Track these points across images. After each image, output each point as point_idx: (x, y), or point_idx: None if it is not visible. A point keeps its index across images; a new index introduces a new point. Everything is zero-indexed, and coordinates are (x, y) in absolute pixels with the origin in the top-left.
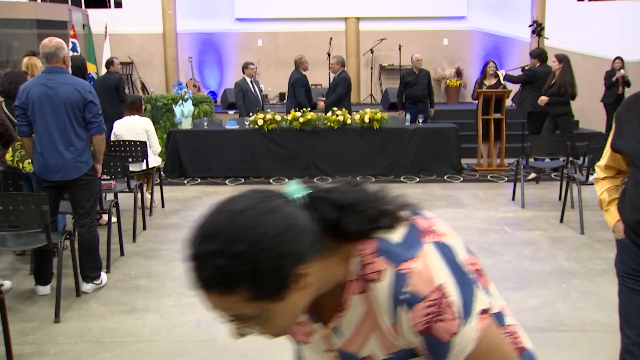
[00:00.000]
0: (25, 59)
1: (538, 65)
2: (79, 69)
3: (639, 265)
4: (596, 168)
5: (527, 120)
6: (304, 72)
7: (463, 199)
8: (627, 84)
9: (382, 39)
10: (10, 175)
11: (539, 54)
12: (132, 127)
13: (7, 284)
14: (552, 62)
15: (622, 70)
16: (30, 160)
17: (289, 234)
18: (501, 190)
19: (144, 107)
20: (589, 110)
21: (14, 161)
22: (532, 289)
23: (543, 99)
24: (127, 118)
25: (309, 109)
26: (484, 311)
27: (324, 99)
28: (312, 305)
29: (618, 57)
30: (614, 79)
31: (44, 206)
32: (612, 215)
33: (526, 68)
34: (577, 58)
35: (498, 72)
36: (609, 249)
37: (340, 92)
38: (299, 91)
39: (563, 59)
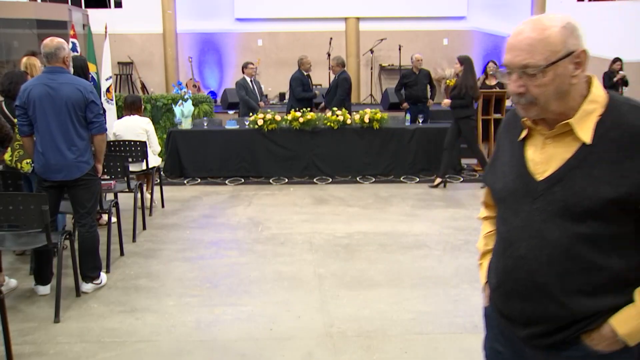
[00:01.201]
0: (25, 59)
1: None
2: (81, 69)
3: (501, 345)
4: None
5: None
6: (305, 73)
7: (463, 199)
8: (625, 83)
9: (382, 39)
10: (10, 175)
11: None
12: (131, 127)
13: (12, 282)
14: (454, 65)
15: (621, 72)
16: (28, 160)
17: None
18: None
19: (143, 107)
20: None
21: (12, 161)
22: None
23: (446, 102)
24: (126, 118)
25: (308, 109)
26: None
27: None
28: None
29: (617, 59)
30: (614, 80)
31: (44, 206)
32: (483, 273)
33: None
34: None
35: None
36: None
37: (342, 93)
38: (297, 90)
39: (464, 61)
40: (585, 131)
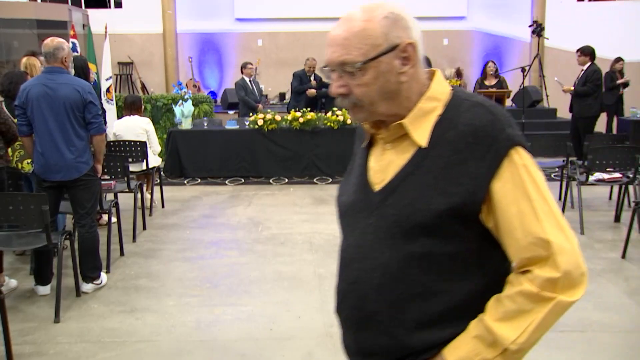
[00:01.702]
0: (24, 59)
1: (590, 64)
2: (81, 69)
3: None
4: None
5: (585, 123)
6: (307, 73)
7: None
8: (625, 85)
9: None
10: (10, 175)
11: (591, 52)
12: (132, 127)
13: (12, 282)
14: None
15: (626, 77)
16: (29, 161)
17: None
18: None
19: (143, 107)
20: None
21: (13, 161)
22: None
23: None
24: (126, 118)
25: (308, 109)
26: None
27: (315, 90)
28: None
29: (619, 58)
30: (618, 82)
31: (44, 206)
32: None
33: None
34: None
35: (563, 87)
36: (609, 249)
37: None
38: (294, 83)
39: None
40: (421, 133)
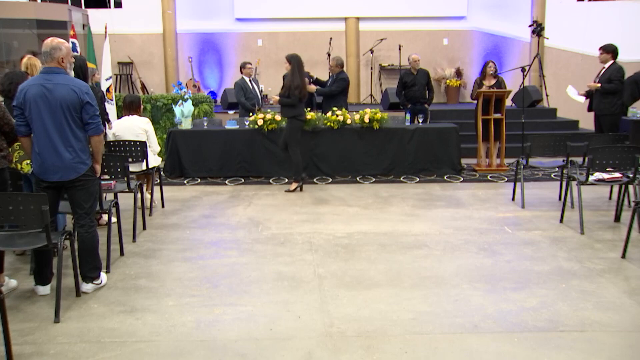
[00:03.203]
0: (25, 59)
1: (612, 62)
2: (80, 69)
3: None
4: None
5: (609, 120)
6: None
7: (463, 199)
8: None
9: (382, 39)
10: (10, 176)
11: (614, 50)
12: (131, 127)
13: (12, 282)
14: (284, 64)
15: None
16: (28, 161)
17: None
18: (501, 190)
19: (143, 107)
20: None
21: (13, 162)
22: (532, 289)
23: (275, 99)
24: (126, 118)
25: (308, 108)
26: None
27: (314, 85)
28: None
29: None
30: None
31: (44, 206)
32: None
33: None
34: (577, 58)
35: (589, 84)
36: (609, 249)
37: (335, 89)
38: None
39: (292, 59)
40: None
